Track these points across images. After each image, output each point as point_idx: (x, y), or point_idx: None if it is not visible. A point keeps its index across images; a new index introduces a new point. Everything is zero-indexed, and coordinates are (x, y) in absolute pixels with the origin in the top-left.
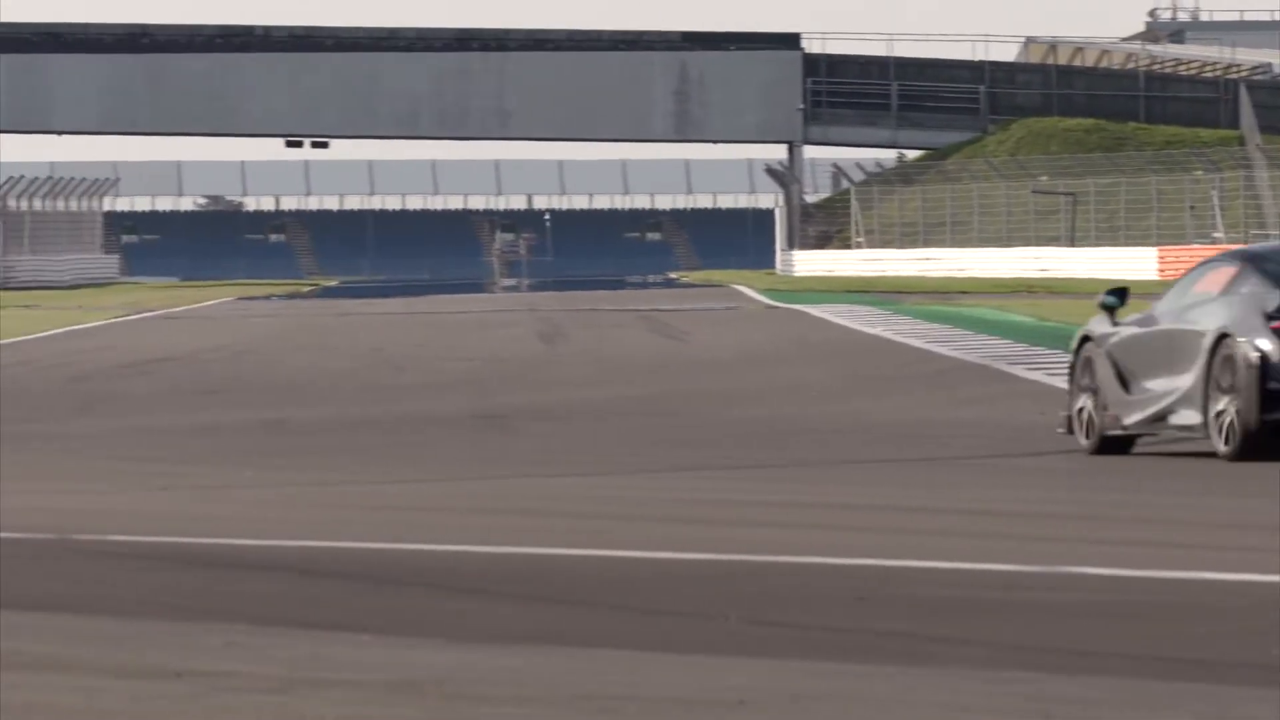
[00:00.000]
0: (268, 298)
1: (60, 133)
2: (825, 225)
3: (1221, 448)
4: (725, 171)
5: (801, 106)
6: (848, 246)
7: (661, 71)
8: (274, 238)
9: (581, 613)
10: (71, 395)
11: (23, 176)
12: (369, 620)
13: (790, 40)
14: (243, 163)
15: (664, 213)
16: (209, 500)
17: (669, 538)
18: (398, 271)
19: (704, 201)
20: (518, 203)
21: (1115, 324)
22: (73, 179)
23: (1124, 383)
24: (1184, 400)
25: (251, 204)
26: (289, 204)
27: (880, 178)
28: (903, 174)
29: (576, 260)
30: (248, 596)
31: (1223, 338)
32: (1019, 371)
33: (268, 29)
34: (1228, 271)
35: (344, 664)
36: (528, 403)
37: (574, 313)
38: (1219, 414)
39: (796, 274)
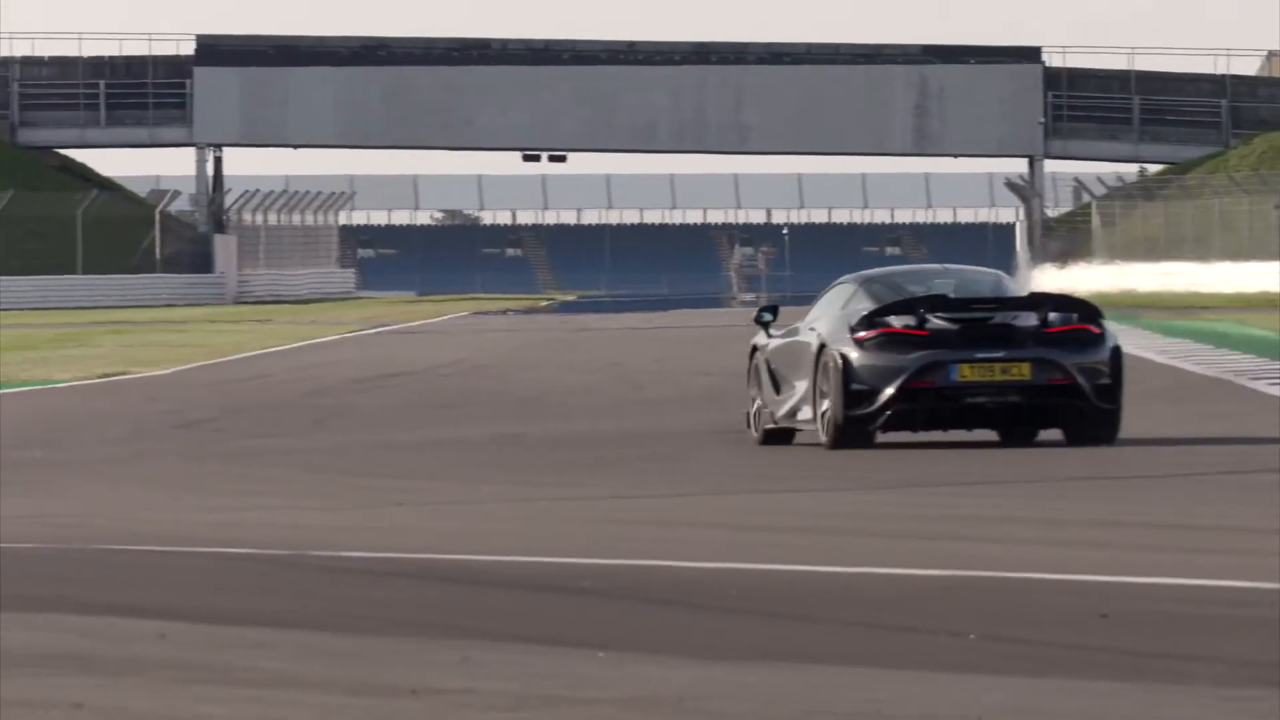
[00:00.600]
0: (504, 312)
1: (296, 146)
2: (1066, 240)
3: (824, 439)
4: (965, 185)
5: (1042, 120)
6: (1089, 261)
7: (901, 85)
8: (510, 252)
9: (820, 629)
10: (306, 410)
11: (258, 190)
12: (606, 636)
13: (1031, 54)
14: (479, 176)
15: (903, 226)
16: (445, 515)
17: (909, 553)
18: (635, 286)
19: (943, 215)
20: (756, 216)
21: (770, 335)
22: (308, 192)
23: (775, 385)
24: (803, 399)
25: (488, 218)
26: (526, 218)
27: (1122, 192)
28: (1144, 188)
29: (815, 274)
30: (484, 612)
31: (822, 347)
32: (1261, 387)
33: (505, 42)
34: (848, 290)
35: (580, 681)
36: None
37: None
38: (822, 411)
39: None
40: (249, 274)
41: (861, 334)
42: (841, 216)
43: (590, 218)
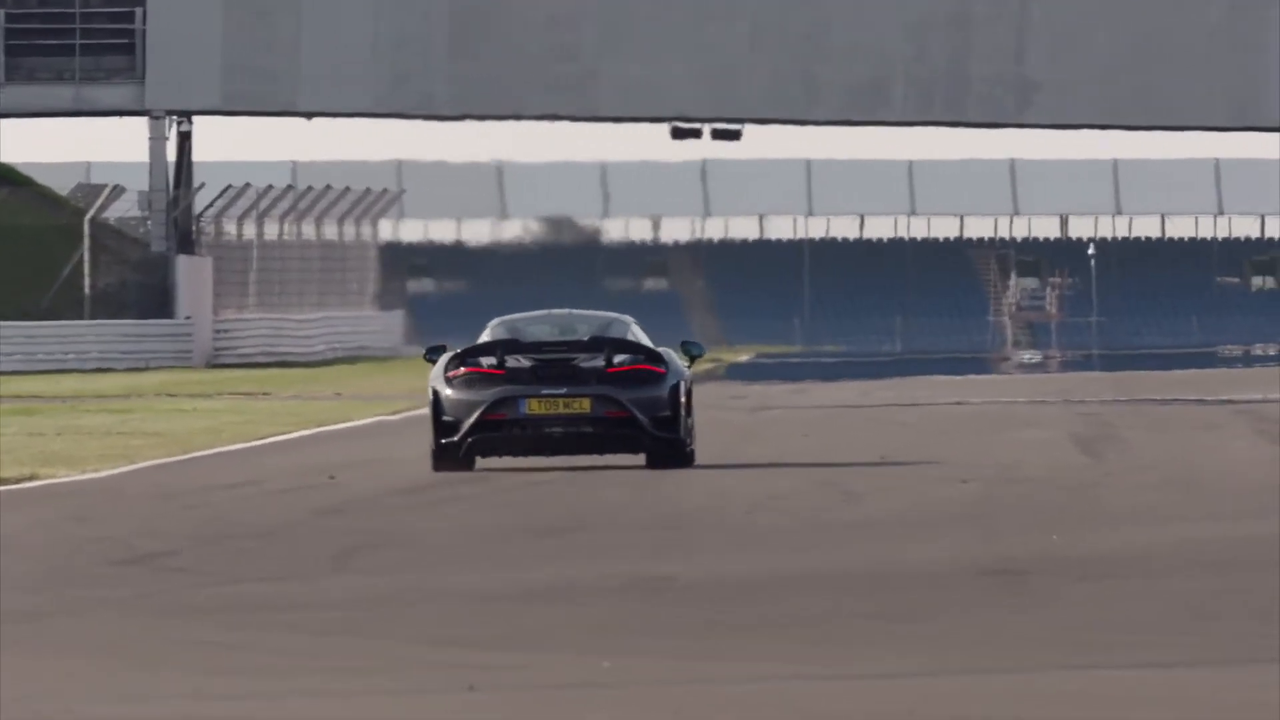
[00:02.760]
0: None
1: (310, 115)
2: None
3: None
4: None
5: None
6: None
7: (1279, 21)
8: (651, 283)
9: None
10: (321, 537)
11: (247, 185)
12: None
13: None
14: (603, 165)
15: (1277, 242)
16: (544, 705)
17: None
18: (849, 337)
19: None
20: (1044, 228)
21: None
22: (328, 189)
23: None
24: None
25: (615, 230)
26: (675, 230)
27: None
28: None
29: (1138, 319)
30: None
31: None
32: None
33: None
34: (485, 331)
35: None
36: (1060, 549)
37: (1133, 405)
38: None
39: None
40: (232, 319)
41: (450, 373)
42: (1181, 228)
43: (779, 229)
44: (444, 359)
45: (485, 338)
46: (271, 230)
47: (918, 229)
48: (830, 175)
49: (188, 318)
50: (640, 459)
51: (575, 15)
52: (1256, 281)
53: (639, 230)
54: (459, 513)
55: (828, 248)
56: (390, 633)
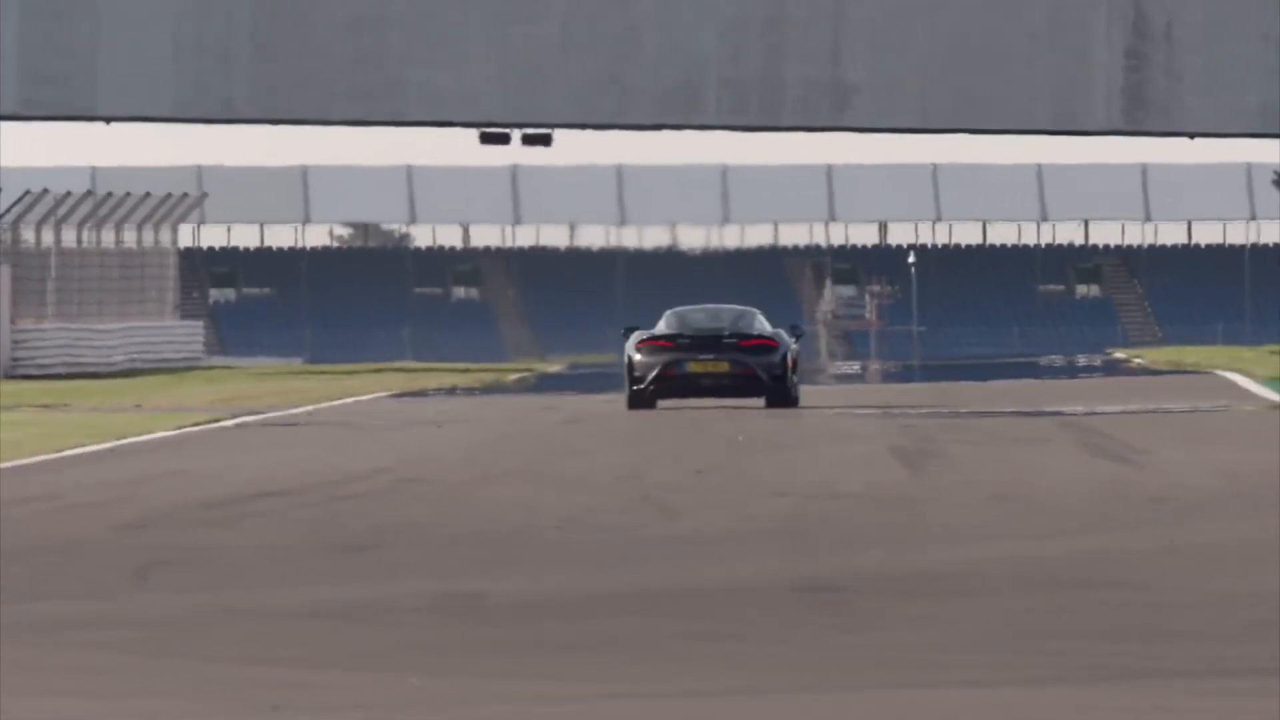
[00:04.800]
0: (450, 391)
1: (109, 119)
2: None
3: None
4: (1206, 183)
5: None
6: None
7: (1106, 20)
8: (460, 292)
9: None
10: (122, 553)
11: (45, 192)
12: None
13: None
14: (409, 169)
15: (1104, 251)
16: None
17: None
18: None
19: (1172, 234)
20: (862, 234)
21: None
22: (128, 195)
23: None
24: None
25: (423, 237)
26: (485, 237)
27: None
28: None
29: (960, 329)
30: None
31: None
32: None
33: None
34: (662, 320)
35: None
36: (882, 566)
37: (955, 418)
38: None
39: None
40: (29, 331)
41: (640, 344)
42: (1003, 235)
43: (591, 237)
44: (635, 336)
45: (661, 323)
46: (70, 237)
47: (731, 236)
48: (643, 182)
49: None
50: (761, 401)
51: (380, 19)
52: (1081, 289)
53: (448, 237)
54: (263, 528)
55: (642, 257)
56: (193, 651)
